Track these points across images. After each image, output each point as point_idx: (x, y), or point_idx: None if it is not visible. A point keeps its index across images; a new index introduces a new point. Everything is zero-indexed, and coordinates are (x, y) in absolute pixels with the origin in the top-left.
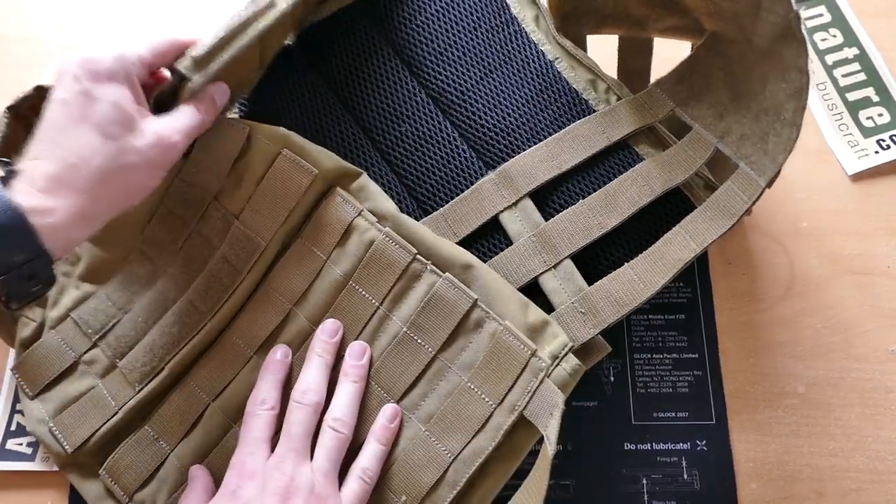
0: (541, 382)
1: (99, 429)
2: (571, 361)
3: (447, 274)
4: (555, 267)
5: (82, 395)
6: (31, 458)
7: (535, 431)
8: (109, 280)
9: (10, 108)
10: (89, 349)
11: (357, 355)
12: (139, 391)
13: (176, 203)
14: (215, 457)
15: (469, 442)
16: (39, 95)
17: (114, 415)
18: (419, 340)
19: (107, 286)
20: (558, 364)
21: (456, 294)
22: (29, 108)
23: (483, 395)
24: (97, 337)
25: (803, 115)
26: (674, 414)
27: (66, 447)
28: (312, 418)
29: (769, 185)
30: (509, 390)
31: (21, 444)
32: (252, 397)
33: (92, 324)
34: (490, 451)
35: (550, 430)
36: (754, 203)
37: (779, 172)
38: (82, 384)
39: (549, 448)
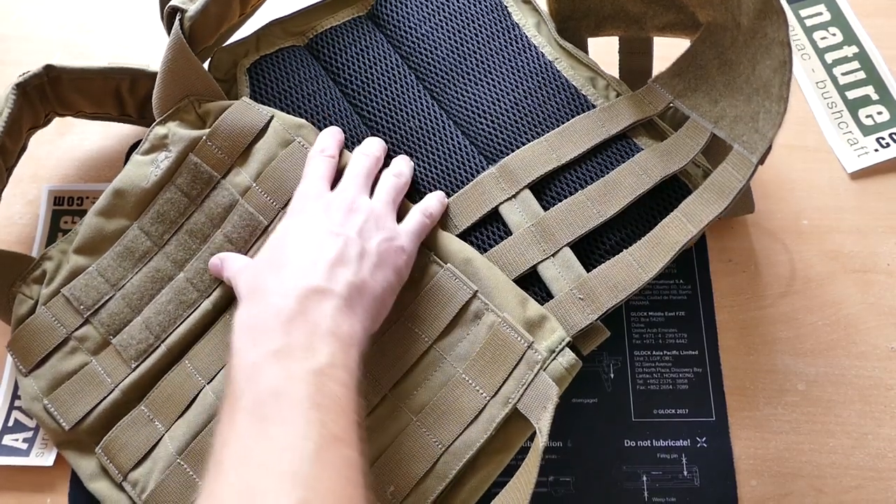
0: (536, 375)
1: (96, 406)
2: (568, 356)
3: (448, 265)
4: (553, 255)
5: (75, 373)
6: (25, 453)
7: (528, 426)
8: (103, 255)
9: (17, 86)
10: (81, 326)
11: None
12: (135, 368)
13: (185, 179)
14: (202, 440)
15: (461, 434)
16: (48, 74)
17: (110, 392)
18: (416, 329)
19: (99, 261)
20: (555, 358)
21: (456, 285)
22: (36, 87)
23: (477, 387)
24: (89, 313)
25: (790, 89)
26: (674, 411)
27: (63, 424)
28: (374, 167)
29: (761, 161)
30: (504, 382)
31: (17, 440)
32: (312, 148)
33: (83, 300)
34: (482, 444)
35: (543, 423)
36: (748, 181)
37: (770, 149)
38: (74, 361)
39: (541, 440)
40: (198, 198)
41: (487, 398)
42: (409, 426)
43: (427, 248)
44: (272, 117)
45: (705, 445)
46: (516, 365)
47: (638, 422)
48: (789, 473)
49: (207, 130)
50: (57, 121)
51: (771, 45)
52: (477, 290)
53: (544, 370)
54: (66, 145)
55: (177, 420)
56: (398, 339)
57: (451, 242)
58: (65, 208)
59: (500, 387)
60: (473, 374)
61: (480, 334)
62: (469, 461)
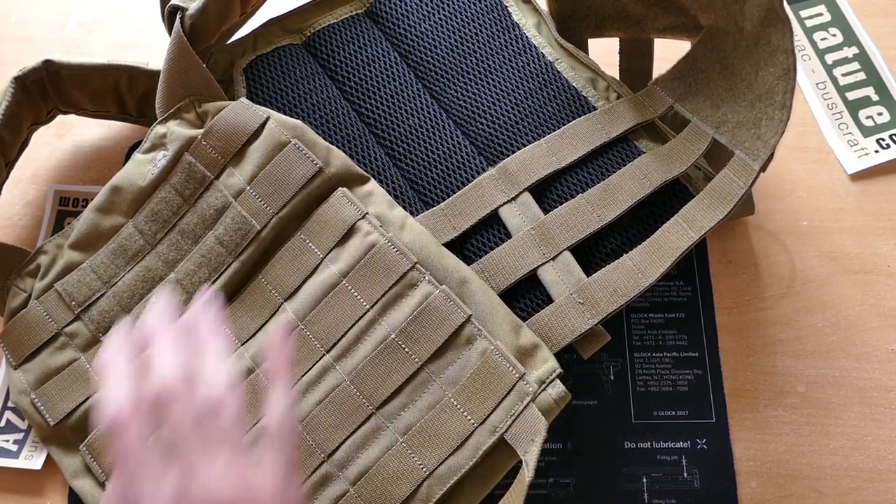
0: (525, 407)
1: (82, 404)
2: (558, 388)
3: (444, 286)
4: (553, 259)
5: (63, 368)
6: (15, 455)
7: (514, 455)
8: (97, 251)
9: (16, 79)
10: (71, 322)
11: None
12: None
13: (179, 178)
14: None
15: (446, 459)
16: (47, 69)
17: (97, 391)
18: (406, 349)
19: (93, 258)
20: (544, 389)
21: (450, 307)
22: (35, 82)
23: (465, 413)
24: (80, 310)
25: (793, 96)
26: (674, 412)
27: (49, 420)
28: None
29: (763, 169)
30: (492, 411)
31: (7, 441)
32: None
33: (75, 296)
34: (466, 470)
35: (530, 456)
36: (750, 188)
37: (772, 156)
38: (63, 357)
39: (527, 474)
40: (191, 197)
41: (475, 425)
42: (394, 447)
43: (423, 265)
44: (268, 118)
45: (705, 447)
46: (506, 395)
47: (638, 423)
48: (789, 475)
49: (203, 130)
50: (56, 122)
51: (775, 53)
52: (471, 315)
53: (533, 402)
54: (64, 146)
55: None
56: (389, 358)
57: (447, 260)
58: (69, 209)
59: (489, 415)
60: (462, 399)
61: (472, 360)
62: (452, 487)
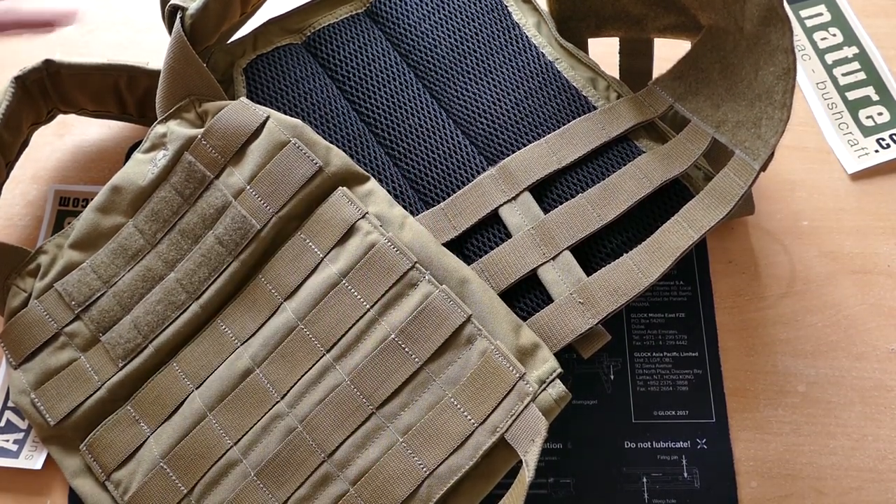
0: (525, 407)
1: (82, 403)
2: (558, 388)
3: (444, 286)
4: (553, 259)
5: (64, 368)
6: (15, 455)
7: (514, 455)
8: (97, 251)
9: (16, 79)
10: (71, 321)
11: None
12: (122, 367)
13: (179, 178)
14: (187, 445)
15: (446, 459)
16: (48, 69)
17: (97, 390)
18: (406, 349)
19: (93, 258)
20: (544, 389)
21: (450, 307)
22: (35, 82)
23: (465, 413)
24: (80, 309)
25: (793, 96)
26: (674, 412)
27: (49, 420)
28: None
29: (763, 168)
30: (493, 411)
31: (7, 441)
32: None
33: (75, 296)
34: (466, 470)
35: (530, 456)
36: (750, 187)
37: (772, 156)
38: (63, 356)
39: (528, 474)
40: (191, 197)
41: (476, 425)
42: (394, 446)
43: (423, 265)
44: (268, 118)
45: (705, 447)
46: (506, 395)
47: (638, 423)
48: (789, 475)
49: (203, 129)
50: (56, 122)
51: (775, 52)
52: (471, 315)
53: (534, 402)
54: (65, 146)
55: (163, 423)
56: (389, 358)
57: (447, 259)
58: (69, 209)
59: (489, 415)
60: (462, 399)
61: (472, 360)
62: (453, 487)
